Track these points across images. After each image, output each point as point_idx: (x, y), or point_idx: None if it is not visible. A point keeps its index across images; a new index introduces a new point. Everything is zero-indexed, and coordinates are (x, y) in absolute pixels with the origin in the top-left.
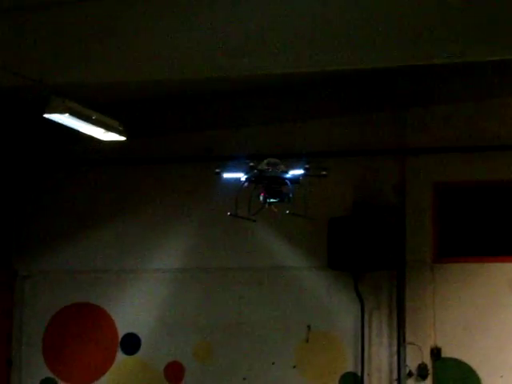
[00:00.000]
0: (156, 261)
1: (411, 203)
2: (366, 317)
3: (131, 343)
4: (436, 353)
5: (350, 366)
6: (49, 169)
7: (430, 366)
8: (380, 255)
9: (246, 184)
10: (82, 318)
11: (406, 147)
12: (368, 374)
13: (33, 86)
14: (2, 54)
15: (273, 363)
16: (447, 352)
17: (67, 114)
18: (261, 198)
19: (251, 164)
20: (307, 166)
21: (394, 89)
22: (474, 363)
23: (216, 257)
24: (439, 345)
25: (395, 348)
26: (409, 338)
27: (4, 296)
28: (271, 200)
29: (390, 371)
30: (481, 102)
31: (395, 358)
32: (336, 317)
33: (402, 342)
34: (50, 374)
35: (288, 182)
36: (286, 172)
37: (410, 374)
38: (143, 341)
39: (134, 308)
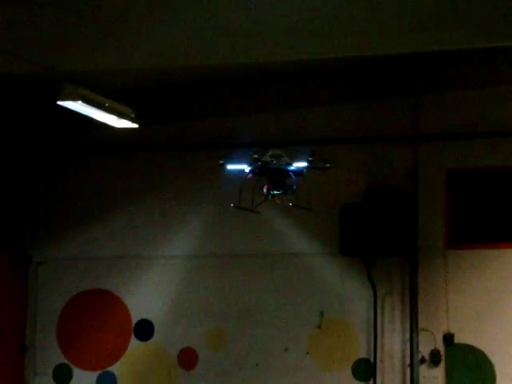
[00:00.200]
0: (169, 247)
1: (424, 189)
2: (379, 303)
3: (145, 329)
4: (449, 339)
5: (362, 353)
6: (63, 156)
7: (442, 352)
8: (392, 241)
9: (249, 176)
10: (96, 304)
11: (419, 133)
12: (381, 360)
13: (45, 74)
14: (15, 41)
15: (285, 349)
16: (460, 338)
17: (80, 101)
18: (264, 189)
19: (255, 156)
20: (311, 159)
21: (406, 75)
22: (487, 349)
23: (229, 243)
24: (452, 331)
25: (408, 334)
26: (421, 324)
27: (18, 283)
28: (275, 192)
29: (403, 357)
30: (494, 88)
31: (408, 344)
32: (348, 303)
33: (414, 328)
34: (64, 360)
35: (292, 174)
36: (290, 164)
37: (422, 360)
38: (156, 327)
39: (148, 294)
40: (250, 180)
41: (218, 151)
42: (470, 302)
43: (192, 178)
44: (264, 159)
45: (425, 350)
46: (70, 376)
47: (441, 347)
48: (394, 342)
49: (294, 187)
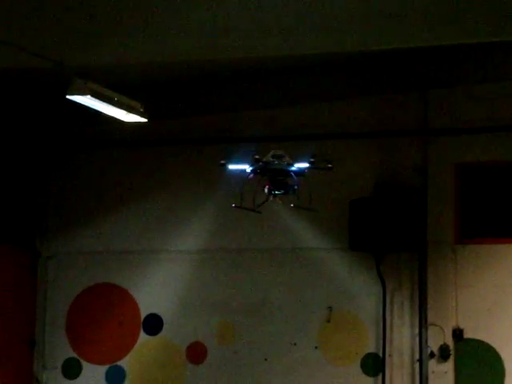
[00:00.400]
0: (178, 242)
1: (433, 184)
2: (388, 298)
3: (153, 324)
4: (458, 334)
5: (371, 347)
6: (72, 150)
7: (451, 347)
8: (402, 236)
9: (251, 176)
10: (105, 298)
11: (428, 128)
12: (390, 355)
13: (54, 68)
14: (24, 35)
15: (294, 344)
16: (469, 333)
17: (89, 96)
18: (265, 190)
19: (256, 156)
20: (312, 160)
21: (415, 70)
22: (496, 344)
23: (238, 238)
24: (461, 326)
25: (417, 329)
26: (431, 318)
27: (27, 277)
28: (276, 192)
29: (412, 352)
30: (503, 83)
31: (417, 339)
32: (357, 298)
33: (423, 323)
34: (74, 355)
35: (293, 174)
36: (292, 164)
37: (431, 355)
38: (165, 321)
39: (157, 289)
40: (251, 180)
41: (227, 145)
42: (479, 297)
43: (201, 173)
44: (265, 159)
45: (434, 344)
46: (79, 370)
47: (450, 342)
48: (403, 337)
49: (296, 187)
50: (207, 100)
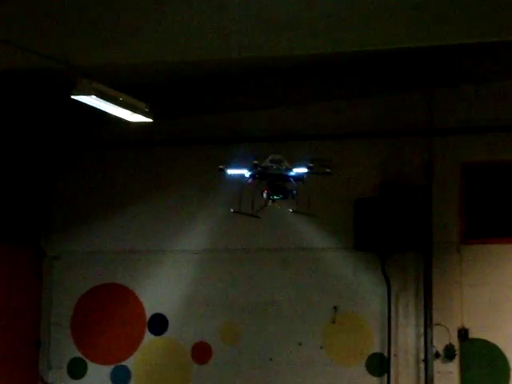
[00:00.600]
0: (183, 242)
1: (438, 184)
2: (393, 298)
3: (159, 324)
4: (463, 334)
5: (376, 347)
6: (77, 150)
7: (457, 346)
8: (407, 236)
9: (249, 181)
10: (110, 298)
11: (434, 127)
12: (395, 355)
13: (60, 68)
14: (29, 35)
15: (300, 344)
16: (475, 333)
17: (94, 96)
18: (264, 194)
19: (255, 161)
20: (311, 165)
21: (421, 69)
22: (501, 344)
23: (243, 238)
24: (467, 326)
25: (422, 329)
26: (436, 318)
27: (33, 277)
28: (275, 197)
29: (417, 352)
30: (509, 82)
31: (422, 339)
32: (362, 298)
33: (428, 323)
34: (79, 354)
35: (291, 179)
36: (290, 169)
37: (437, 355)
38: (170, 321)
39: (162, 289)
40: (250, 185)
41: (232, 145)
42: (484, 297)
43: (206, 173)
44: (264, 164)
45: (439, 344)
46: (84, 370)
47: (455, 342)
48: (408, 337)
49: (295, 192)
50: (212, 100)
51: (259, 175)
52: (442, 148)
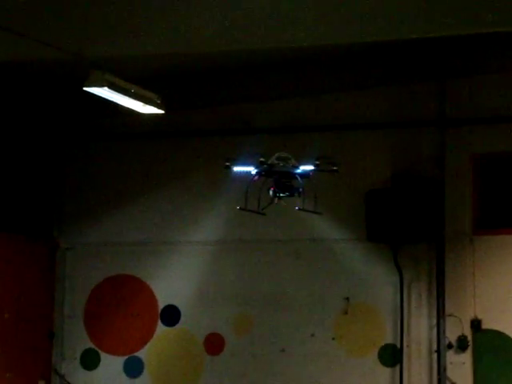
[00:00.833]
0: (195, 233)
1: (451, 175)
2: (405, 289)
3: (171, 315)
4: (476, 324)
5: (389, 338)
6: (89, 142)
7: (469, 337)
8: (419, 227)
9: (255, 178)
10: (123, 290)
11: (446, 118)
12: (407, 346)
13: (72, 60)
14: (41, 27)
15: (312, 335)
16: (487, 324)
17: (106, 87)
18: (270, 192)
19: (261, 159)
20: (317, 162)
21: (433, 59)
22: None
23: (256, 229)
24: (479, 316)
25: (435, 320)
26: (448, 309)
27: (46, 269)
28: (281, 194)
29: (430, 343)
30: None
31: (435, 329)
32: (375, 289)
33: (441, 314)
34: (92, 345)
35: (298, 176)
36: (297, 167)
37: (449, 346)
38: (183, 313)
39: (174, 280)
40: (257, 182)
41: (246, 137)
42: (497, 288)
43: (218, 163)
44: (270, 162)
45: (452, 335)
46: (97, 361)
47: (468, 333)
48: (420, 328)
49: (301, 190)
50: (225, 91)
51: (265, 172)
52: (454, 139)
